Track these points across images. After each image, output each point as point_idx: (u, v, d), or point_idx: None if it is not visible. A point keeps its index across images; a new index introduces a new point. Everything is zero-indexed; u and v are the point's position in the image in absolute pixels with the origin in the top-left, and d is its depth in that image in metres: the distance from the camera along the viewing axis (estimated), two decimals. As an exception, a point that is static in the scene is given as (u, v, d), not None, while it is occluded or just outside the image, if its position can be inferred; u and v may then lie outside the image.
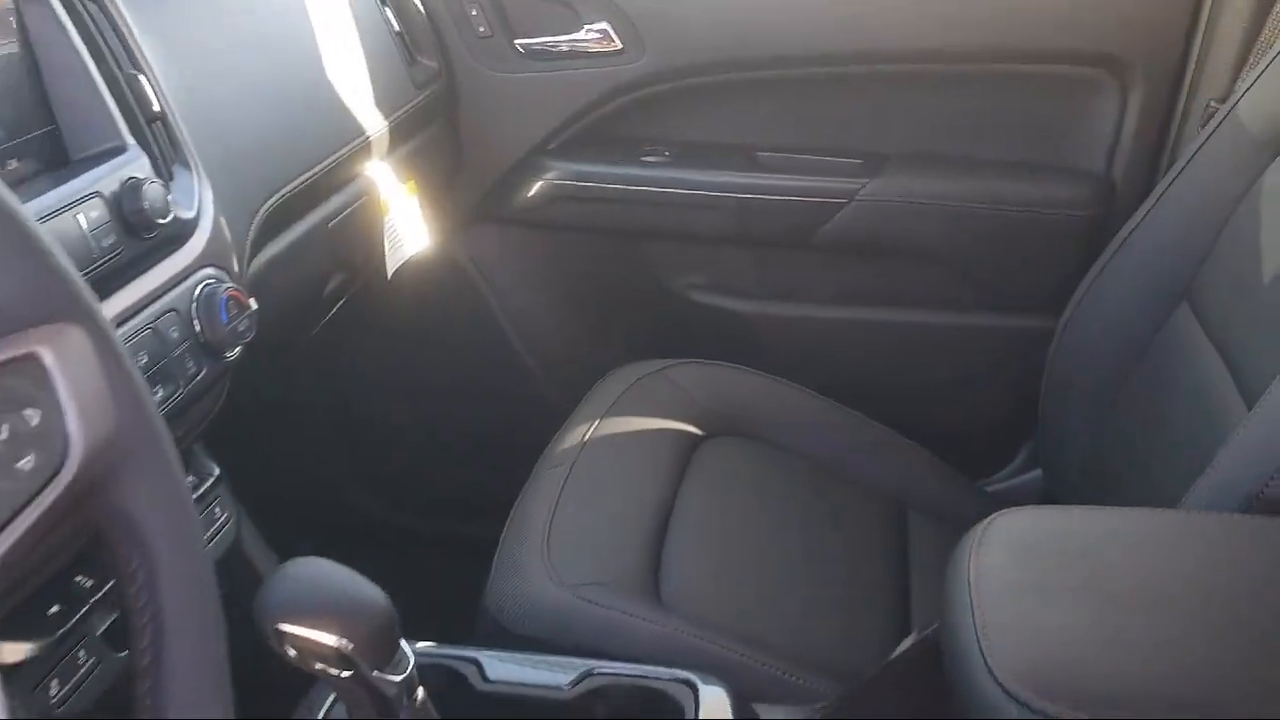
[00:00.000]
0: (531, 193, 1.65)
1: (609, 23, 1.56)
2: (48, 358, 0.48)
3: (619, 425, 1.31)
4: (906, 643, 0.92)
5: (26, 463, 0.47)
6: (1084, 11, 1.42)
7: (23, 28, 0.90)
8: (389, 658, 0.67)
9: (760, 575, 1.18)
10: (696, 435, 1.33)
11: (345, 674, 0.66)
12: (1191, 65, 1.42)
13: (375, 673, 0.66)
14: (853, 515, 1.29)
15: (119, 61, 0.94)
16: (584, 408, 1.35)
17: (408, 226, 1.45)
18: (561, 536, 1.13)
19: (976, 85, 1.51)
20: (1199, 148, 1.18)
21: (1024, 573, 0.74)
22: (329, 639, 0.63)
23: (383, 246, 1.40)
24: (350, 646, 0.64)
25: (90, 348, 0.50)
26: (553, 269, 1.72)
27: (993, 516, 0.79)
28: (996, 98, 1.51)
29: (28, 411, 0.48)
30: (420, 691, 0.71)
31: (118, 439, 0.51)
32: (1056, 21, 1.44)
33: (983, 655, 0.67)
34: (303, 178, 1.19)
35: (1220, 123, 1.16)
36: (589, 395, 1.39)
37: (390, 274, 1.41)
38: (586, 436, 1.28)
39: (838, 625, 1.15)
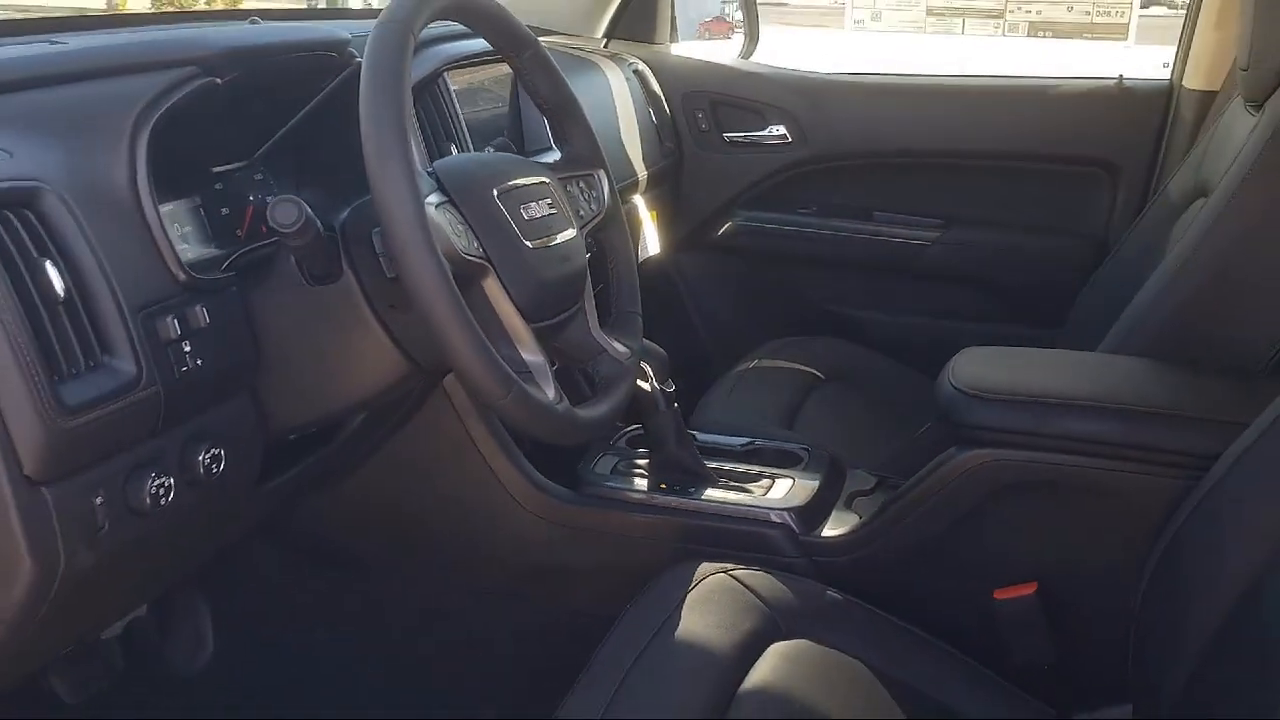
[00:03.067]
0: (722, 231, 2.49)
1: (784, 125, 2.40)
2: None
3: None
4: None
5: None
6: (1085, 131, 2.21)
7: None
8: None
9: None
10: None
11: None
12: (1160, 159, 2.17)
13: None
14: None
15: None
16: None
17: (651, 238, 2.29)
18: None
19: (1016, 174, 2.29)
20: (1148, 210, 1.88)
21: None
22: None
23: (637, 245, 2.24)
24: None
25: None
26: (733, 283, 2.54)
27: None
28: (1028, 183, 2.29)
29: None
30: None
31: None
32: (1068, 138, 2.22)
33: (949, 376, 1.43)
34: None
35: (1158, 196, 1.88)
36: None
37: (640, 263, 2.25)
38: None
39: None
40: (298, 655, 1.72)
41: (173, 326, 0.99)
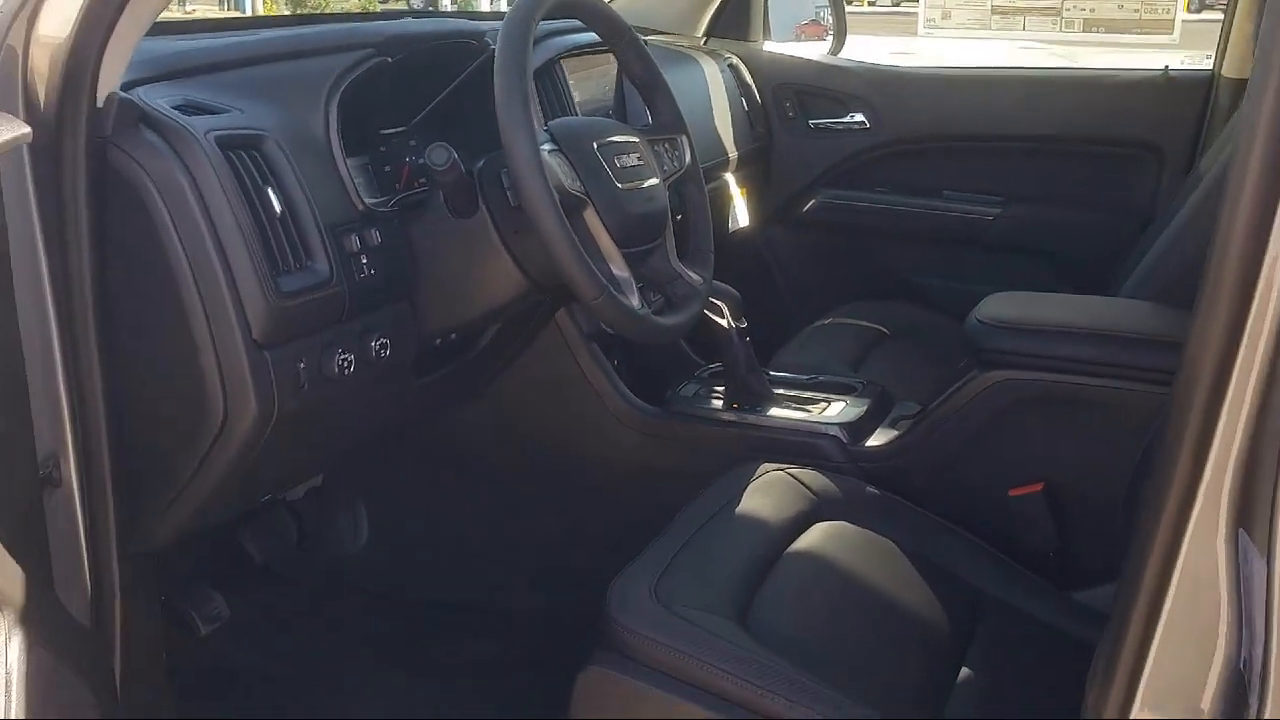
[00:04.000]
0: (806, 207, 2.76)
1: (863, 113, 2.67)
2: None
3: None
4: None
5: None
6: (1134, 117, 2.43)
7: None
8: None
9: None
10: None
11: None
12: (1201, 142, 2.38)
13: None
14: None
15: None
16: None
17: (741, 211, 2.58)
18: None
19: (1069, 157, 2.53)
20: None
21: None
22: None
23: (727, 216, 2.53)
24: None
25: None
26: (815, 253, 2.81)
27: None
28: (1080, 164, 2.52)
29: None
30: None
31: None
32: (1118, 123, 2.44)
33: (975, 313, 1.69)
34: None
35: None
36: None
37: (730, 232, 2.54)
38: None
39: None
40: (436, 545, 2.05)
41: (354, 242, 1.33)
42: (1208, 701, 0.88)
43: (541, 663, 1.52)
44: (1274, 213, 0.78)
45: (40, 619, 1.03)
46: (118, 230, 1.19)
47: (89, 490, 1.20)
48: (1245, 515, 0.83)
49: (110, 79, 1.18)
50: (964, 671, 1.43)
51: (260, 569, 1.79)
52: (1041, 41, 6.67)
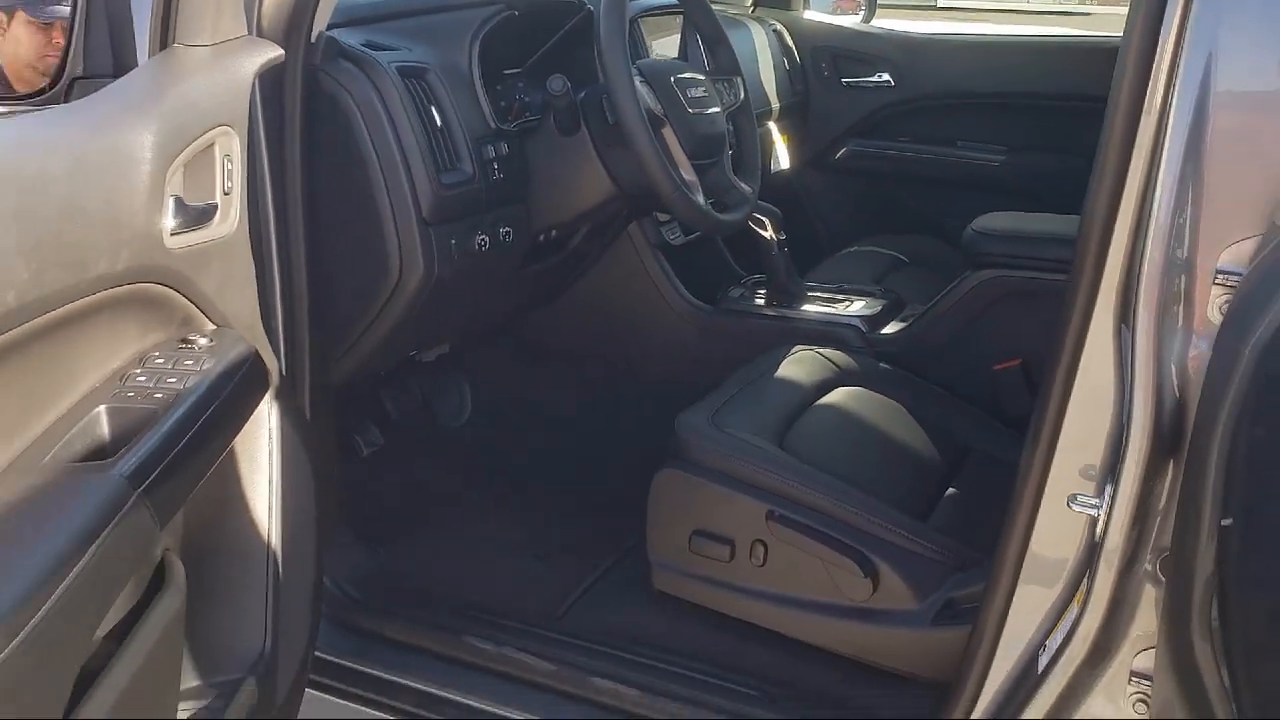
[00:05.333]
0: (838, 155, 3.15)
1: (888, 73, 3.05)
2: None
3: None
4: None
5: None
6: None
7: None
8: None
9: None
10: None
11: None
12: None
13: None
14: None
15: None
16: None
17: (782, 154, 2.97)
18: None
19: (1065, 113, 2.87)
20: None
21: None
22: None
23: (770, 159, 2.92)
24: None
25: None
26: (845, 194, 3.20)
27: None
28: (1075, 119, 2.87)
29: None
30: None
31: None
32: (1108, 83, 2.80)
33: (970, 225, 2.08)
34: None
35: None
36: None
37: (772, 173, 2.93)
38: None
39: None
40: (524, 422, 2.46)
41: (489, 151, 1.74)
42: (1099, 455, 1.27)
43: (619, 501, 1.92)
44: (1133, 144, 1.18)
45: (289, 407, 1.43)
46: (322, 135, 1.60)
47: (293, 336, 1.58)
48: (1125, 314, 1.22)
49: (320, 23, 1.59)
50: (949, 491, 1.83)
51: (393, 424, 2.20)
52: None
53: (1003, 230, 2.07)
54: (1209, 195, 1.15)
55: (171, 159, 1.16)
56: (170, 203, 1.15)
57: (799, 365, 2.01)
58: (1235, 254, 1.14)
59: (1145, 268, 1.17)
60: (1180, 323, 1.18)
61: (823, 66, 3.12)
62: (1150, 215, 1.17)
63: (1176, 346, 1.18)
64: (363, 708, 1.71)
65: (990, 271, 2.05)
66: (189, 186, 1.20)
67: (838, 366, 2.03)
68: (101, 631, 0.97)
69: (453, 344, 2.11)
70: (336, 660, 1.73)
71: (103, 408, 1.02)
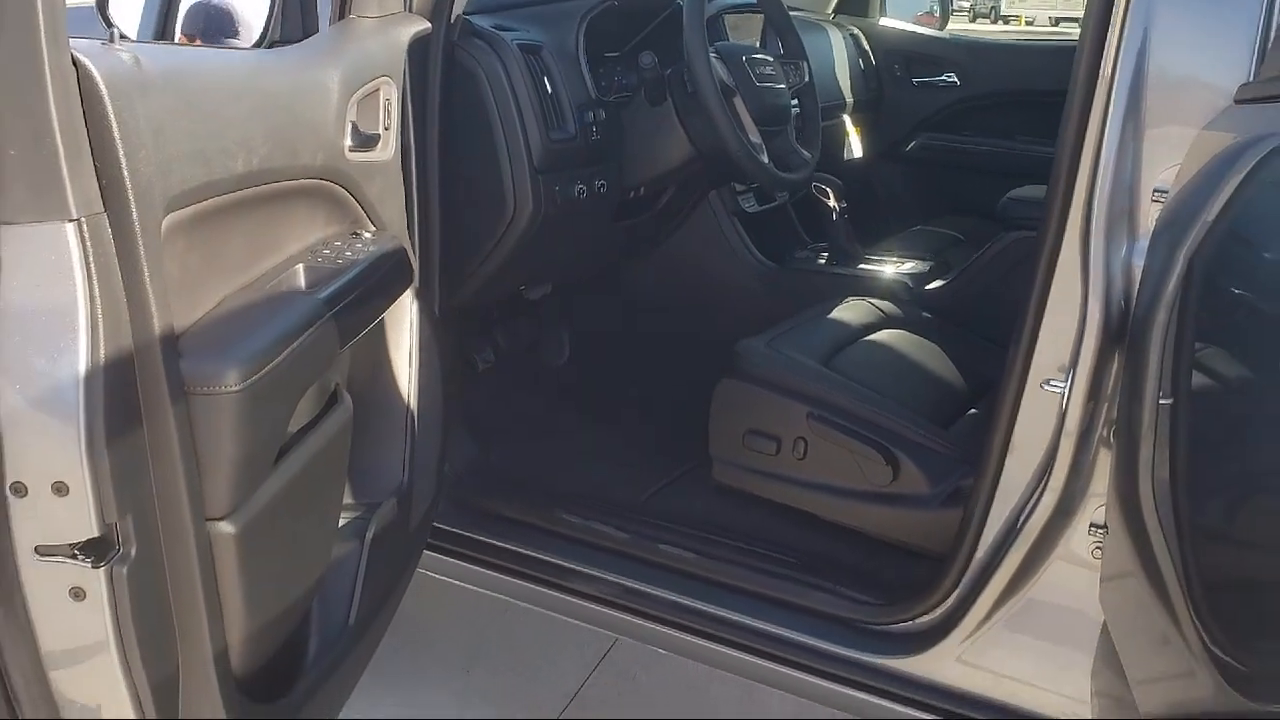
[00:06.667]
0: (909, 147, 3.45)
1: (955, 73, 3.35)
2: None
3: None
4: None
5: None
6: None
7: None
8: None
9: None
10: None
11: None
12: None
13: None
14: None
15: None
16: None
17: (855, 145, 3.29)
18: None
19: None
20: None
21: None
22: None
23: (844, 150, 3.24)
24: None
25: None
26: (913, 181, 3.49)
27: None
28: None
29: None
30: None
31: None
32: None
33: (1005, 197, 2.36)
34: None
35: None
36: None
37: (845, 160, 3.24)
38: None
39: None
40: (618, 362, 2.80)
41: (589, 115, 2.10)
42: (1067, 348, 1.56)
43: (694, 425, 2.25)
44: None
45: (425, 304, 1.80)
46: (456, 99, 1.98)
47: (428, 248, 1.94)
48: (1086, 230, 1.52)
49: (458, 7, 1.97)
50: (970, 412, 2.13)
51: (504, 354, 2.57)
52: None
53: (1031, 198, 2.35)
54: (1147, 133, 1.46)
55: (350, 94, 1.54)
56: (349, 126, 1.53)
57: (850, 310, 2.32)
58: (1165, 177, 1.44)
59: (1098, 191, 1.48)
60: (1125, 234, 1.48)
61: (895, 67, 3.42)
62: (1103, 149, 1.47)
63: (1122, 254, 1.48)
64: (474, 566, 2.07)
65: (1020, 233, 2.34)
66: (362, 117, 1.58)
67: (884, 313, 2.34)
68: (293, 426, 1.34)
69: (555, 285, 2.47)
70: (454, 530, 2.10)
71: (301, 265, 1.39)
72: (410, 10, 1.82)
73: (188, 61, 1.27)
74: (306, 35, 1.74)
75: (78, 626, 0.97)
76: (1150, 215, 1.46)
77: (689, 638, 1.89)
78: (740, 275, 2.65)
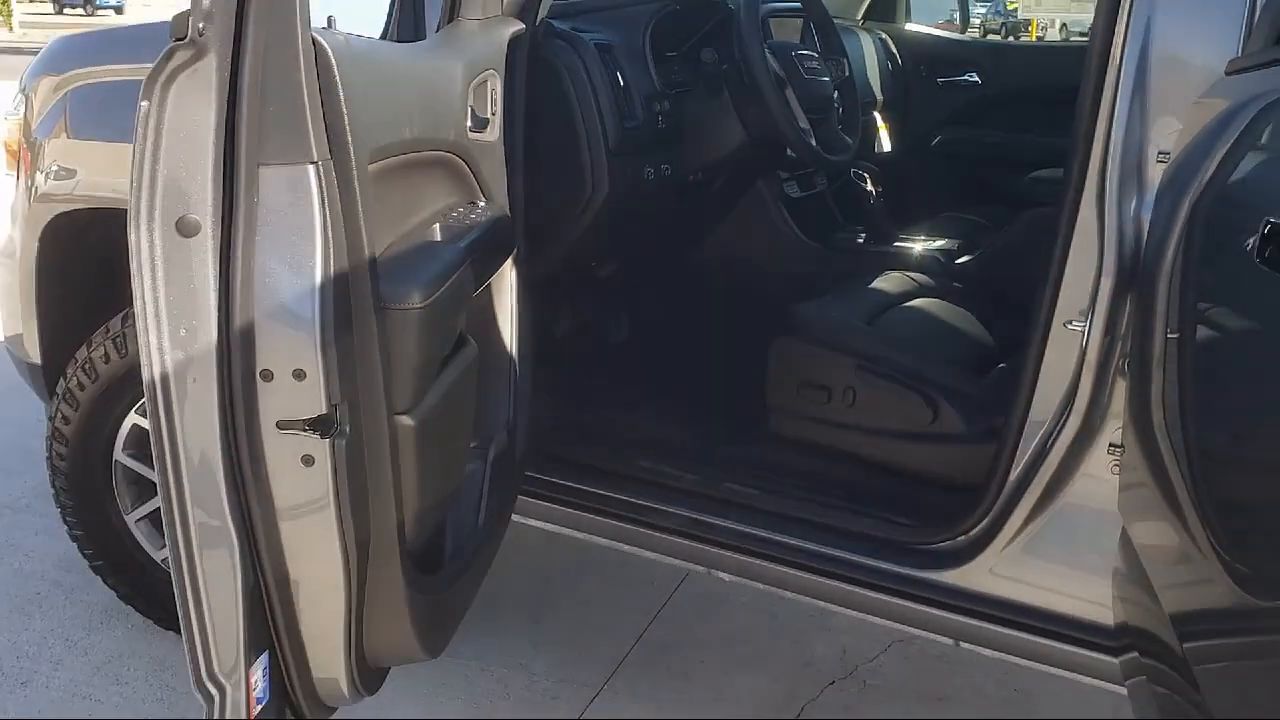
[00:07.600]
0: (935, 141, 3.70)
1: (975, 73, 3.60)
2: None
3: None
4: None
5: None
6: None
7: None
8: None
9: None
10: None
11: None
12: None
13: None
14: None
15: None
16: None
17: (884, 138, 3.54)
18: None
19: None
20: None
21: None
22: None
23: (875, 143, 3.49)
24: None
25: None
26: (941, 174, 3.73)
27: None
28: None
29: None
30: None
31: None
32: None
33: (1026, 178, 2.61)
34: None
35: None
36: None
37: (875, 154, 3.49)
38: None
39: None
40: (677, 334, 3.05)
41: (655, 106, 2.36)
42: (1087, 292, 1.80)
43: (749, 387, 2.50)
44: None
45: (522, 271, 2.05)
46: (540, 91, 2.24)
47: (519, 228, 2.21)
48: (1101, 187, 1.77)
49: (542, 12, 2.23)
50: (1000, 365, 2.37)
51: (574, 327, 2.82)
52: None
53: (1051, 178, 2.60)
54: (1151, 103, 1.71)
55: (469, 82, 1.80)
56: (470, 109, 1.79)
57: (888, 280, 2.57)
58: (1168, 140, 1.69)
59: (1111, 154, 1.73)
60: (1135, 190, 1.73)
61: (921, 68, 3.68)
62: (1114, 118, 1.73)
63: (1132, 208, 1.73)
64: (559, 508, 2.32)
65: (1036, 210, 2.58)
66: (476, 103, 1.84)
67: (918, 283, 2.59)
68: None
69: (621, 264, 2.72)
70: (535, 475, 2.35)
71: (437, 224, 1.66)
72: (506, 13, 2.09)
73: (374, 46, 1.55)
74: (417, 37, 2.01)
75: (306, 486, 1.23)
76: (1156, 174, 1.71)
77: (753, 560, 2.13)
78: (787, 255, 2.89)
